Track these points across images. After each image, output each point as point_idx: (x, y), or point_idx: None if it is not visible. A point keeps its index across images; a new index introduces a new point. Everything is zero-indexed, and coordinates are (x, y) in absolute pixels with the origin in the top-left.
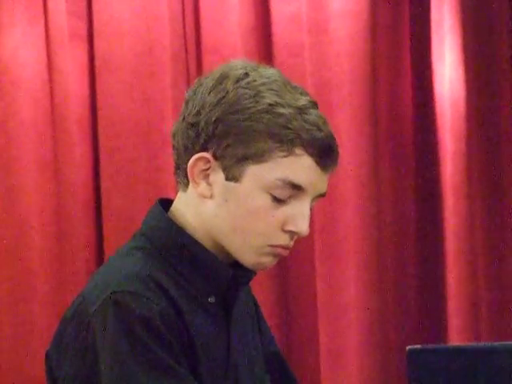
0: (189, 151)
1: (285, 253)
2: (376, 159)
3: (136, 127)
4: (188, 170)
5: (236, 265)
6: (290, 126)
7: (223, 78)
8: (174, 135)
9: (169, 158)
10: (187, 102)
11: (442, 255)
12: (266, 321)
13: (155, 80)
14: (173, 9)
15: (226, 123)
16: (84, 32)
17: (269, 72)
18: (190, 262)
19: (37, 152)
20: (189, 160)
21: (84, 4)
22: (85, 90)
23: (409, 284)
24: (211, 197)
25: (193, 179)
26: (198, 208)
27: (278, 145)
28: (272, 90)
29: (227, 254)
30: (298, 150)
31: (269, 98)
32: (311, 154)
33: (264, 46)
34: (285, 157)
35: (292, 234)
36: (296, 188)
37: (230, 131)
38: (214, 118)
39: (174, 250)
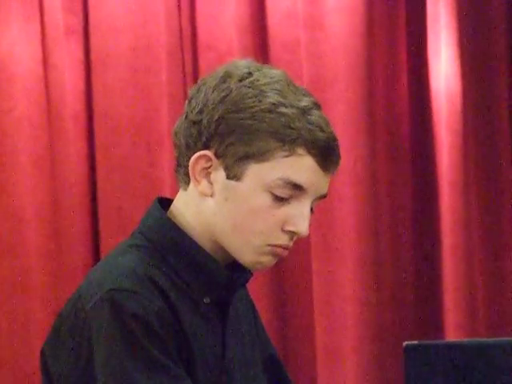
0: (191, 149)
1: (284, 253)
2: (372, 155)
3: (132, 123)
4: (189, 167)
5: (234, 265)
6: (292, 125)
7: (227, 76)
8: (175, 133)
9: (165, 155)
10: (190, 100)
11: (439, 250)
12: (262, 323)
13: (151, 76)
14: (168, 4)
15: (229, 122)
16: (80, 28)
17: (273, 72)
18: (187, 262)
19: (32, 148)
20: (190, 158)
21: (80, 0)
22: (80, 86)
23: (405, 279)
24: (212, 195)
25: (194, 177)
26: (198, 207)
27: (280, 144)
28: (275, 89)
29: (226, 254)
30: (300, 150)
31: (272, 98)
32: (313, 155)
33: (260, 42)
34: (286, 156)
35: (292, 234)
36: (297, 188)
37: (232, 130)
38: (216, 117)
39: (172, 249)
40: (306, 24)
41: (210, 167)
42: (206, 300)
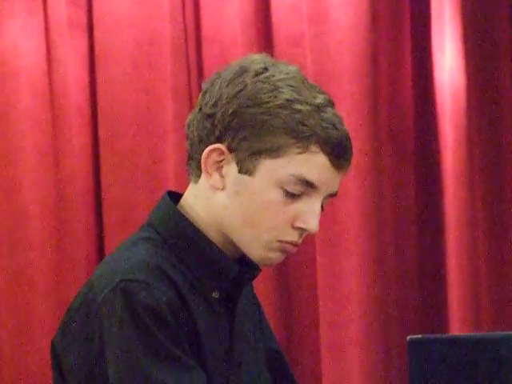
0: (203, 142)
1: (293, 249)
2: (376, 149)
3: (136, 117)
4: (202, 160)
5: (242, 261)
6: (306, 122)
7: (242, 71)
8: (188, 125)
9: (169, 149)
10: (204, 93)
11: (443, 245)
12: (266, 318)
13: (155, 70)
14: None
15: (243, 116)
16: (83, 22)
17: (288, 68)
18: (197, 256)
19: (37, 142)
20: (203, 151)
21: None
22: (84, 80)
23: (410, 274)
24: (223, 189)
25: (206, 170)
26: (209, 200)
27: (293, 141)
28: (290, 86)
29: (234, 249)
30: (314, 148)
31: (287, 94)
32: (326, 152)
33: (264, 36)
34: (300, 153)
35: (301, 230)
36: (309, 185)
37: (246, 124)
38: (230, 110)
39: (181, 242)
40: (310, 18)
41: (222, 161)
42: (215, 295)
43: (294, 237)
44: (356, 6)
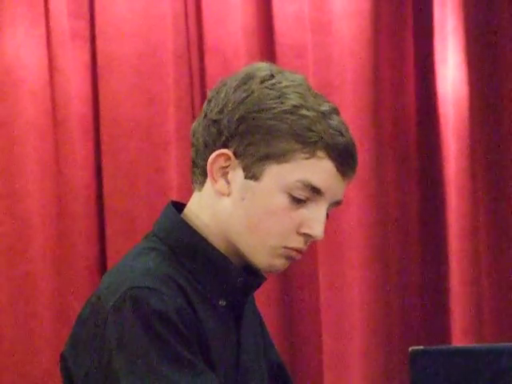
0: (209, 148)
1: (297, 256)
2: (379, 160)
3: (138, 128)
4: (208, 166)
5: (246, 269)
6: (313, 128)
7: (248, 78)
8: (193, 132)
9: (171, 159)
10: (210, 101)
11: (446, 256)
12: (267, 329)
13: (157, 80)
14: (175, 9)
15: (250, 122)
16: (86, 32)
17: (294, 76)
18: (203, 264)
19: (39, 153)
20: (208, 157)
21: (86, 4)
22: (87, 91)
23: (412, 285)
24: (229, 195)
25: (211, 176)
26: (214, 207)
27: (300, 146)
28: (297, 92)
29: (239, 258)
30: (320, 153)
31: (294, 100)
32: (332, 159)
33: (267, 47)
34: (307, 159)
35: (307, 237)
36: (315, 191)
37: (253, 130)
38: (237, 116)
39: (187, 251)
40: (313, 28)
41: (228, 166)
42: (222, 303)
43: (299, 243)
44: (359, 17)
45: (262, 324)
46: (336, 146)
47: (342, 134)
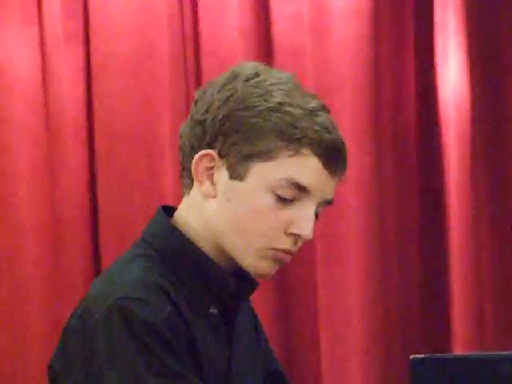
0: (194, 150)
1: (287, 258)
2: (379, 162)
3: (133, 131)
4: (192, 167)
5: (238, 275)
6: (298, 125)
7: (233, 77)
8: (181, 136)
9: (166, 164)
10: (196, 102)
11: (447, 261)
12: (265, 335)
13: (153, 83)
14: (171, 9)
15: (233, 120)
16: (80, 33)
17: (280, 74)
18: (193, 271)
19: (32, 157)
20: (193, 158)
21: (80, 5)
22: (81, 93)
23: (412, 291)
24: (215, 196)
25: (197, 177)
26: (201, 210)
27: (285, 144)
28: (282, 90)
29: (230, 262)
30: (305, 150)
31: (278, 98)
32: (318, 156)
33: (264, 48)
34: (291, 156)
35: (295, 237)
36: (301, 189)
37: (236, 128)
38: (221, 115)
39: (176, 257)
40: (311, 29)
41: (213, 167)
42: (213, 310)
43: (287, 244)
44: (358, 18)
45: (258, 329)
46: (322, 143)
47: (328, 131)
